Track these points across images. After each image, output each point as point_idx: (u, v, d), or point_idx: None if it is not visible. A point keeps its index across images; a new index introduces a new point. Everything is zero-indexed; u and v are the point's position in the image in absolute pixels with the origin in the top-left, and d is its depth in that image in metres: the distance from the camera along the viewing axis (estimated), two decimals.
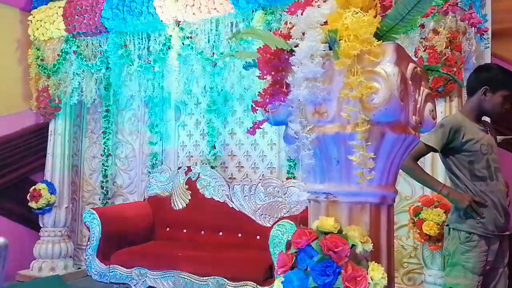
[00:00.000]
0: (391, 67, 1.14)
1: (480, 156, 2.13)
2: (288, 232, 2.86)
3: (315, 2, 1.33)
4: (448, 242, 2.20)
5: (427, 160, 2.87)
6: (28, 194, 4.42)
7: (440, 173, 2.75)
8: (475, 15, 1.28)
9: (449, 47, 2.60)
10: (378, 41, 1.16)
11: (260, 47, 1.33)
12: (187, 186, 4.10)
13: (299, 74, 1.23)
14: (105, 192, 4.64)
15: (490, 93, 2.13)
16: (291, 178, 3.72)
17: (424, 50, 2.67)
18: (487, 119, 2.31)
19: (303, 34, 1.28)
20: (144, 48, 4.22)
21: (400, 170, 1.39)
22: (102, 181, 4.66)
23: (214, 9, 3.75)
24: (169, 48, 4.05)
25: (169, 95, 4.45)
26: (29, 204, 4.41)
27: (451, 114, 2.32)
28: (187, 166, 4.21)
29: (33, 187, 4.43)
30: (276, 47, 1.28)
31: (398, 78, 1.13)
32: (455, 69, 2.60)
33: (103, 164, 4.66)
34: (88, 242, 3.69)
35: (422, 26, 2.68)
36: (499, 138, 2.76)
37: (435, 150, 2.14)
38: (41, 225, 4.54)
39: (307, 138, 1.22)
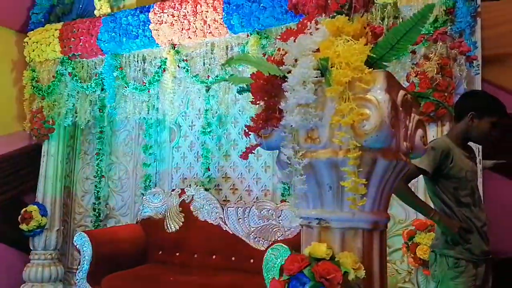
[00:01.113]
0: (382, 95, 1.15)
1: (465, 183, 2.14)
2: (282, 256, 2.84)
3: (308, 29, 1.35)
4: (435, 268, 2.19)
5: (420, 183, 2.88)
6: (19, 216, 4.36)
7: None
8: (464, 43, 1.32)
9: (440, 73, 2.64)
10: (369, 69, 1.18)
11: (253, 72, 1.35)
12: (180, 209, 4.07)
13: (292, 100, 1.24)
14: (97, 214, 4.59)
15: (476, 119, 2.15)
16: (285, 201, 3.71)
17: (416, 76, 2.71)
18: (473, 144, 2.32)
19: (296, 60, 1.30)
20: (139, 70, 4.25)
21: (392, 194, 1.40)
22: (95, 203, 4.61)
23: (210, 33, 3.80)
24: (165, 71, 4.09)
25: (163, 117, 4.45)
26: (20, 226, 4.35)
27: (440, 138, 2.33)
28: (180, 188, 4.19)
29: (24, 209, 4.38)
30: (269, 73, 1.30)
31: (389, 105, 1.15)
32: (446, 94, 2.63)
33: (95, 185, 4.63)
34: (79, 266, 3.63)
35: (414, 52, 2.73)
36: (491, 162, 2.79)
37: (426, 173, 2.14)
38: (31, 248, 4.47)
39: (300, 164, 1.22)
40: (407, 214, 3.28)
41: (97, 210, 4.59)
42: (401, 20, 2.99)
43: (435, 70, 2.66)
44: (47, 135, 4.55)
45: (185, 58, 3.99)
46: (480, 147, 2.76)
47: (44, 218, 4.41)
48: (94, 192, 4.63)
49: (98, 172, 4.62)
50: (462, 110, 2.19)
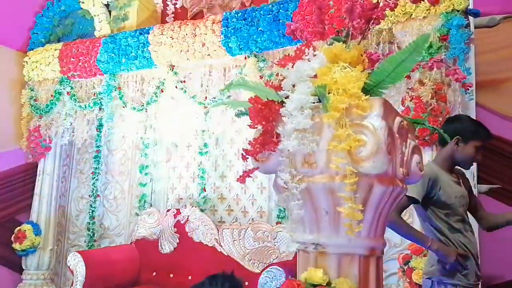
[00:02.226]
0: (378, 121, 1.17)
1: (456, 208, 2.15)
2: (277, 279, 2.82)
3: (305, 56, 1.38)
4: None
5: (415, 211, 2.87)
6: (13, 235, 4.32)
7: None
8: (459, 71, 1.34)
9: (435, 98, 2.68)
10: (365, 96, 1.20)
11: (251, 97, 1.37)
12: (175, 229, 4.04)
13: (289, 125, 1.26)
14: (91, 234, 4.55)
15: (462, 143, 2.18)
16: (280, 223, 3.70)
17: (411, 100, 2.75)
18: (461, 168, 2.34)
19: (294, 86, 1.32)
20: (137, 90, 4.29)
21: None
22: (89, 223, 4.58)
23: (208, 55, 3.85)
24: (163, 91, 4.13)
25: (160, 137, 4.47)
26: (13, 245, 4.30)
27: (426, 164, 2.35)
28: (176, 209, 4.17)
29: (18, 228, 4.34)
30: (267, 98, 1.31)
31: (385, 132, 1.17)
32: (440, 119, 2.66)
33: (90, 205, 4.60)
34: (72, 286, 3.59)
35: (408, 77, 2.76)
36: (486, 187, 2.81)
37: (417, 202, 2.14)
38: (23, 267, 4.41)
39: (296, 188, 1.23)
40: (402, 238, 3.27)
41: (91, 230, 4.55)
42: (396, 45, 3.05)
43: (430, 95, 2.70)
44: (43, 153, 4.54)
45: (183, 79, 4.03)
46: (475, 172, 2.78)
47: (37, 237, 4.36)
48: (89, 212, 4.60)
49: (94, 191, 4.60)
50: (447, 134, 2.21)
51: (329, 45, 1.40)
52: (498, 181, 3.30)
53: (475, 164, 2.80)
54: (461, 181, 2.26)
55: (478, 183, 2.85)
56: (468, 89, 1.54)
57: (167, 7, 4.44)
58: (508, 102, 3.30)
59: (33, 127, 4.55)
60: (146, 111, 4.23)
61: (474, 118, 2.66)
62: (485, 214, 2.34)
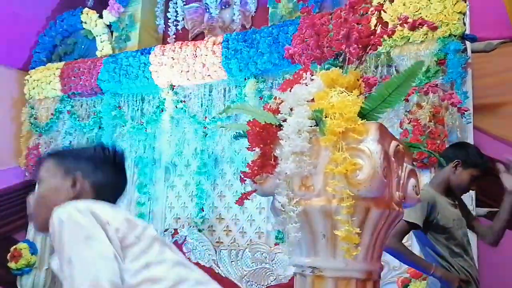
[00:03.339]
0: (374, 145, 1.18)
1: (454, 232, 2.15)
2: None
3: (303, 80, 1.40)
4: None
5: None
6: (9, 254, 4.28)
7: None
8: (455, 95, 1.36)
9: (433, 121, 2.71)
10: (362, 120, 1.21)
11: (250, 120, 1.39)
12: None
13: (287, 148, 1.27)
14: None
15: (461, 168, 2.19)
16: (279, 244, 3.68)
17: (409, 122, 2.78)
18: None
19: (291, 109, 1.34)
20: (137, 110, 4.32)
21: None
22: None
23: (208, 75, 3.89)
24: (162, 111, 4.15)
25: (159, 156, 4.47)
26: (8, 264, 4.26)
27: (422, 189, 2.35)
28: (174, 229, 4.15)
29: (14, 246, 4.31)
30: (265, 121, 1.33)
31: (381, 156, 1.18)
32: (438, 142, 2.69)
33: None
34: None
35: (407, 100, 2.79)
36: (484, 210, 2.81)
37: (417, 227, 2.13)
38: (18, 287, 4.36)
39: (294, 211, 1.23)
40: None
41: None
42: (394, 68, 3.09)
43: (428, 118, 2.73)
44: None
45: (183, 99, 4.06)
46: (474, 195, 2.78)
47: (33, 256, 4.33)
48: None
49: None
50: (448, 158, 2.22)
51: (327, 69, 1.43)
52: (496, 204, 3.30)
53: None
54: (457, 203, 2.27)
55: (476, 206, 2.85)
56: (464, 113, 1.55)
57: (169, 28, 4.50)
58: (505, 126, 3.32)
59: (33, 145, 4.57)
60: (146, 130, 4.25)
61: (473, 144, 2.69)
62: (485, 229, 2.34)
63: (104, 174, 1.33)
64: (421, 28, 1.34)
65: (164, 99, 4.12)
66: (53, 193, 1.31)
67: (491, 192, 3.01)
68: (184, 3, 4.53)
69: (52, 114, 4.56)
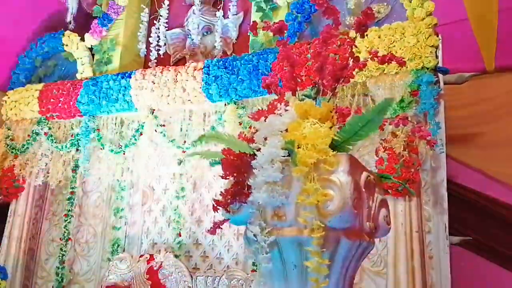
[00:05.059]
0: (344, 177, 1.21)
1: None
2: None
3: (278, 110, 1.43)
4: None
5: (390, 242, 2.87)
6: None
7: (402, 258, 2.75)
8: (424, 129, 1.41)
9: (407, 150, 2.77)
10: (333, 151, 1.24)
11: (224, 148, 1.40)
12: (147, 276, 3.92)
13: (260, 178, 1.29)
14: (60, 279, 4.37)
15: None
16: (255, 271, 3.64)
17: (384, 151, 2.83)
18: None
19: (265, 139, 1.37)
20: (116, 132, 4.28)
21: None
22: (58, 267, 4.40)
23: (189, 100, 3.91)
24: (142, 134, 4.13)
25: (137, 180, 4.43)
26: None
27: None
28: (149, 254, 4.07)
29: None
30: (239, 151, 1.35)
31: (351, 187, 1.20)
32: (412, 170, 2.74)
33: (61, 248, 4.45)
34: None
35: (382, 128, 2.86)
36: (457, 238, 2.85)
37: None
38: None
39: (265, 241, 1.24)
40: None
41: (60, 275, 4.38)
42: (370, 97, 3.16)
43: (402, 147, 2.78)
44: (15, 194, 4.44)
45: (162, 123, 4.06)
46: (447, 223, 2.83)
47: (3, 281, 4.17)
48: (59, 256, 4.44)
49: (65, 234, 4.46)
50: None
51: (301, 100, 1.46)
52: (470, 231, 3.36)
53: (446, 215, 2.87)
54: None
55: (450, 235, 2.89)
56: (433, 146, 1.60)
57: (151, 53, 4.53)
58: (478, 156, 3.42)
59: (7, 166, 4.47)
60: (124, 154, 4.22)
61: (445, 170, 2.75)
62: None
63: None
64: (391, 63, 1.39)
65: (144, 122, 4.10)
66: None
67: (463, 220, 3.07)
68: (167, 28, 4.58)
69: (28, 135, 4.49)
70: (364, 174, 1.33)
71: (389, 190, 2.65)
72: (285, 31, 1.57)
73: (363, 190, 1.30)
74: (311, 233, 1.19)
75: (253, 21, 2.16)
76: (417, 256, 2.79)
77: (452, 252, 2.89)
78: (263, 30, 1.55)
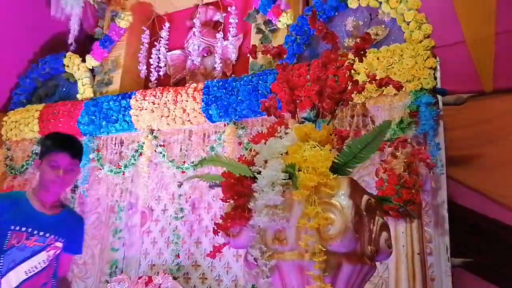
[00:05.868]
0: (345, 200, 1.20)
1: None
2: None
3: (278, 133, 1.44)
4: None
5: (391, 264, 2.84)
6: None
7: (403, 280, 2.73)
8: (423, 151, 1.42)
9: (407, 171, 2.76)
10: (333, 175, 1.24)
11: (225, 171, 1.40)
12: None
13: (260, 201, 1.28)
14: None
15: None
16: None
17: (384, 172, 2.82)
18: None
19: (266, 162, 1.37)
20: (116, 153, 4.28)
21: None
22: None
23: (188, 120, 3.92)
24: (141, 155, 4.13)
25: (136, 200, 4.40)
26: None
27: None
28: (148, 276, 4.02)
29: None
30: (240, 174, 1.34)
31: (352, 211, 1.20)
32: (413, 191, 2.73)
33: None
34: None
35: (382, 149, 2.86)
36: (459, 260, 2.82)
37: None
38: None
39: (266, 265, 1.23)
40: None
41: None
42: (369, 118, 3.18)
43: (402, 168, 2.78)
44: None
45: (162, 144, 4.06)
46: (449, 245, 2.80)
47: None
48: None
49: None
50: None
51: (301, 123, 1.47)
52: (473, 253, 3.33)
53: (448, 237, 2.85)
54: None
55: (451, 256, 2.86)
56: (432, 168, 1.60)
57: (151, 74, 4.56)
58: (479, 177, 3.41)
59: (7, 187, 4.45)
60: (123, 174, 4.21)
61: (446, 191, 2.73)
62: None
63: None
64: (388, 86, 1.40)
65: (143, 143, 4.11)
66: None
67: (465, 242, 3.05)
68: (167, 49, 4.63)
69: (28, 155, 4.48)
70: (365, 197, 1.32)
71: (390, 212, 2.63)
72: (284, 55, 1.58)
73: (364, 213, 1.30)
74: (312, 257, 1.18)
75: (252, 45, 2.18)
76: (419, 278, 2.76)
77: (454, 274, 2.86)
78: (262, 54, 1.56)
